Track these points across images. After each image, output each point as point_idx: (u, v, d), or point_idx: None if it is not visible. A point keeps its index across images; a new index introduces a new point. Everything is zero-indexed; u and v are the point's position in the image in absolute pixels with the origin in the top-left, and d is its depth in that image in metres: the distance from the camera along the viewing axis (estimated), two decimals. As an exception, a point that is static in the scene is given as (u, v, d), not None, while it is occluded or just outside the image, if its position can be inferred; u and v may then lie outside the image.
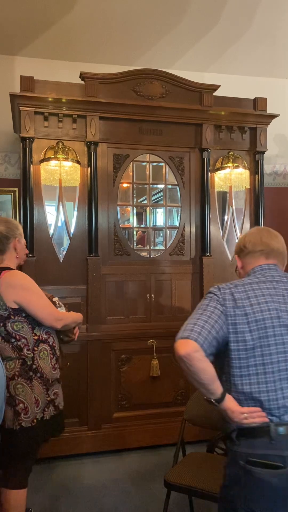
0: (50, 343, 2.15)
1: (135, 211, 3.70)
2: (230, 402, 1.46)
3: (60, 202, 3.42)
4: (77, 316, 2.31)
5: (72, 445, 3.29)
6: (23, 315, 2.06)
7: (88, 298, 3.40)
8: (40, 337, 2.11)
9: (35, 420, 2.04)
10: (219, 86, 3.64)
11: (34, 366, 2.07)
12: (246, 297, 1.51)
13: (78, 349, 3.33)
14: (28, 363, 2.06)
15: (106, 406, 3.40)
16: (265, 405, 1.45)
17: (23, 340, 2.05)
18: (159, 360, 3.46)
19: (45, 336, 2.13)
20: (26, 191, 3.28)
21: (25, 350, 2.05)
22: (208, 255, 3.64)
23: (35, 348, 2.08)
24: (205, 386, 1.45)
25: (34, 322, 2.08)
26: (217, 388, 1.46)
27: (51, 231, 3.42)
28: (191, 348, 1.41)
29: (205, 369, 1.42)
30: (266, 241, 1.65)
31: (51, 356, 2.14)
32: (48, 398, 2.11)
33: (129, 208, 3.71)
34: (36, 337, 2.09)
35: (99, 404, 3.38)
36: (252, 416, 1.44)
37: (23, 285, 2.08)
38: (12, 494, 2.09)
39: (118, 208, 3.57)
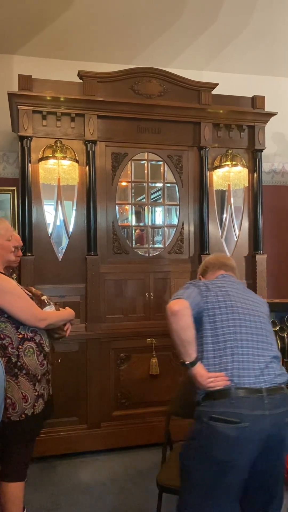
0: (37, 341, 2.16)
1: (133, 209, 3.70)
2: (200, 368, 1.78)
3: (59, 201, 3.42)
4: (65, 314, 2.31)
5: (71, 443, 3.29)
6: (5, 315, 2.08)
7: (87, 297, 3.40)
8: (26, 336, 2.12)
9: (23, 415, 2.07)
10: (217, 84, 3.64)
11: (19, 364, 2.09)
12: (216, 286, 1.93)
13: (77, 347, 3.33)
14: (13, 360, 2.08)
15: (106, 405, 3.41)
16: (228, 371, 1.75)
17: (7, 339, 2.07)
18: (158, 359, 3.46)
19: (30, 334, 2.14)
20: (25, 190, 3.28)
21: (9, 349, 2.07)
22: (206, 254, 3.64)
23: (20, 347, 2.09)
24: (186, 345, 1.77)
25: (18, 322, 2.10)
26: (194, 352, 1.79)
27: (50, 230, 3.42)
28: (184, 305, 1.76)
29: (190, 327, 1.76)
30: (221, 260, 2.18)
31: (38, 353, 2.14)
32: (36, 393, 2.12)
33: (128, 207, 3.71)
34: (20, 336, 2.10)
35: (98, 402, 3.39)
36: (216, 380, 1.74)
37: (3, 288, 2.08)
38: (10, 486, 2.11)
39: (117, 207, 3.57)
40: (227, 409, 1.70)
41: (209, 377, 1.75)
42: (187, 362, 1.77)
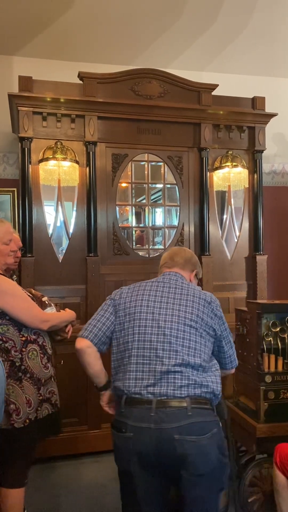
0: (40, 343, 2.13)
1: (134, 210, 3.70)
2: (103, 396, 1.92)
3: (59, 202, 3.42)
4: (66, 315, 2.29)
5: (72, 444, 3.29)
6: (7, 318, 2.05)
7: (87, 298, 3.40)
8: (28, 338, 2.09)
9: (27, 421, 2.04)
10: (217, 85, 3.64)
11: (23, 367, 2.06)
12: (130, 292, 1.87)
13: (78, 349, 3.33)
14: (17, 364, 2.05)
15: (106, 406, 3.40)
16: (119, 381, 1.73)
17: (10, 342, 2.04)
18: (158, 360, 3.46)
19: (33, 337, 2.11)
20: (25, 191, 3.29)
21: (12, 352, 2.04)
22: (207, 255, 3.64)
23: (23, 349, 2.07)
24: (91, 377, 1.87)
25: (20, 324, 2.07)
26: (100, 382, 1.88)
27: (50, 231, 3.43)
28: (84, 344, 1.79)
29: (92, 364, 1.81)
30: (171, 255, 2.04)
31: (42, 355, 2.12)
32: (41, 397, 2.09)
33: (128, 208, 3.71)
34: (23, 338, 2.08)
35: (98, 403, 3.37)
36: (108, 409, 1.92)
37: (4, 290, 2.05)
38: (10, 493, 2.09)
39: (117, 208, 3.57)
40: (118, 417, 1.71)
41: (103, 406, 1.92)
42: (97, 387, 1.91)
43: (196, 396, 1.64)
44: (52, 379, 2.18)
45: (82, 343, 1.79)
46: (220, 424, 1.74)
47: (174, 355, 1.67)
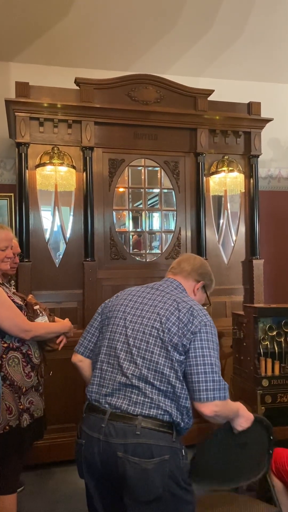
0: (24, 351, 2.09)
1: (131, 215, 3.71)
2: None
3: (56, 207, 3.43)
4: (56, 327, 2.23)
5: (70, 450, 3.25)
6: None
7: (84, 303, 3.40)
8: (11, 345, 2.06)
9: (7, 427, 2.01)
10: (213, 90, 3.67)
11: (2, 374, 2.02)
12: (121, 295, 1.80)
13: (75, 353, 3.33)
14: None
15: (103, 411, 3.39)
16: (89, 386, 1.69)
17: None
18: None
19: (17, 344, 2.08)
20: (22, 196, 3.29)
21: None
22: (204, 259, 3.65)
23: (4, 356, 2.04)
24: None
25: (2, 331, 2.04)
26: None
27: (47, 236, 3.43)
28: (75, 359, 1.80)
29: (87, 378, 1.77)
30: (179, 262, 1.92)
31: (24, 364, 2.08)
32: (22, 406, 2.05)
33: (125, 213, 3.72)
34: (5, 345, 2.05)
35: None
36: None
37: None
38: (1, 499, 2.07)
39: (114, 213, 3.59)
40: (81, 422, 1.66)
41: None
42: None
43: (151, 416, 1.51)
44: (34, 389, 2.14)
45: (74, 358, 1.81)
46: (183, 452, 1.56)
47: (133, 367, 1.57)
